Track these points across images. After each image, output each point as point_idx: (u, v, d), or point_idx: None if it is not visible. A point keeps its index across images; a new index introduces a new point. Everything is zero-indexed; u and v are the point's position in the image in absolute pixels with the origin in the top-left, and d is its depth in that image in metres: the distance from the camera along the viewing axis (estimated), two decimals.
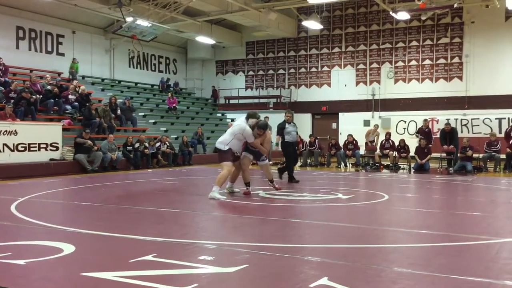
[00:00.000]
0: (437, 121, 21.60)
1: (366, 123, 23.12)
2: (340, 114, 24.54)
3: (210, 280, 3.92)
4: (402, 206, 8.28)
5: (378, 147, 17.56)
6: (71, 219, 6.99)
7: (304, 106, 25.45)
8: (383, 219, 6.98)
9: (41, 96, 16.68)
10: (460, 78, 22.13)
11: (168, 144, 17.67)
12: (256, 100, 25.91)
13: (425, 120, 17.83)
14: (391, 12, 19.65)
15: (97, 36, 23.44)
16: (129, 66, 25.41)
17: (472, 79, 21.81)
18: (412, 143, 17.09)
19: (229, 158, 8.94)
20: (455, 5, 17.98)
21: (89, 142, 14.68)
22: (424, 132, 16.85)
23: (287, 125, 11.68)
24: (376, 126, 18.89)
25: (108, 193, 10.06)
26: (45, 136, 14.51)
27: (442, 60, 22.54)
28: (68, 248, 4.79)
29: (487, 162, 15.94)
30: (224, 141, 8.96)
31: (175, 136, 20.15)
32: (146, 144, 16.66)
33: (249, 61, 27.26)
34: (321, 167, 17.58)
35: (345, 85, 24.55)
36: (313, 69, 25.41)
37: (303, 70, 25.71)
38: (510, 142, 15.66)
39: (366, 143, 17.96)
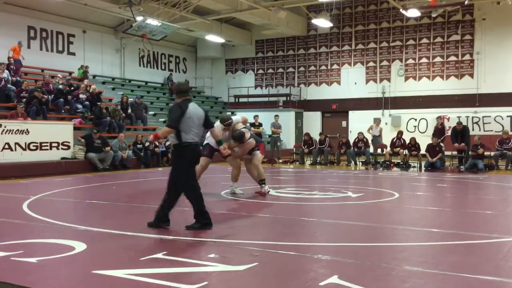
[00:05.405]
0: (448, 119, 21.43)
1: (376, 121, 22.99)
2: (350, 112, 24.43)
3: (220, 278, 3.94)
4: (412, 205, 8.24)
5: (384, 142, 17.62)
6: (82, 217, 7.05)
7: (314, 105, 25.38)
8: (393, 218, 6.95)
9: (52, 95, 16.81)
10: (471, 75, 21.94)
11: None
12: (265, 99, 25.87)
13: (439, 118, 17.73)
14: (401, 10, 19.51)
15: (108, 35, 23.54)
16: (139, 65, 25.49)
17: (483, 76, 21.62)
18: (423, 141, 16.99)
19: (202, 153, 8.88)
20: (466, 2, 17.80)
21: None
22: (438, 130, 16.76)
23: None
24: (379, 121, 19.00)
25: (119, 191, 10.12)
26: (56, 135, 14.60)
27: (453, 58, 22.36)
28: (79, 246, 4.84)
29: (498, 160, 15.79)
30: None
31: None
32: (156, 143, 16.71)
33: (259, 60, 27.22)
34: (331, 166, 17.53)
35: (355, 83, 24.44)
36: (323, 67, 25.32)
37: (312, 68, 25.63)
38: None
39: (372, 140, 18.02)
